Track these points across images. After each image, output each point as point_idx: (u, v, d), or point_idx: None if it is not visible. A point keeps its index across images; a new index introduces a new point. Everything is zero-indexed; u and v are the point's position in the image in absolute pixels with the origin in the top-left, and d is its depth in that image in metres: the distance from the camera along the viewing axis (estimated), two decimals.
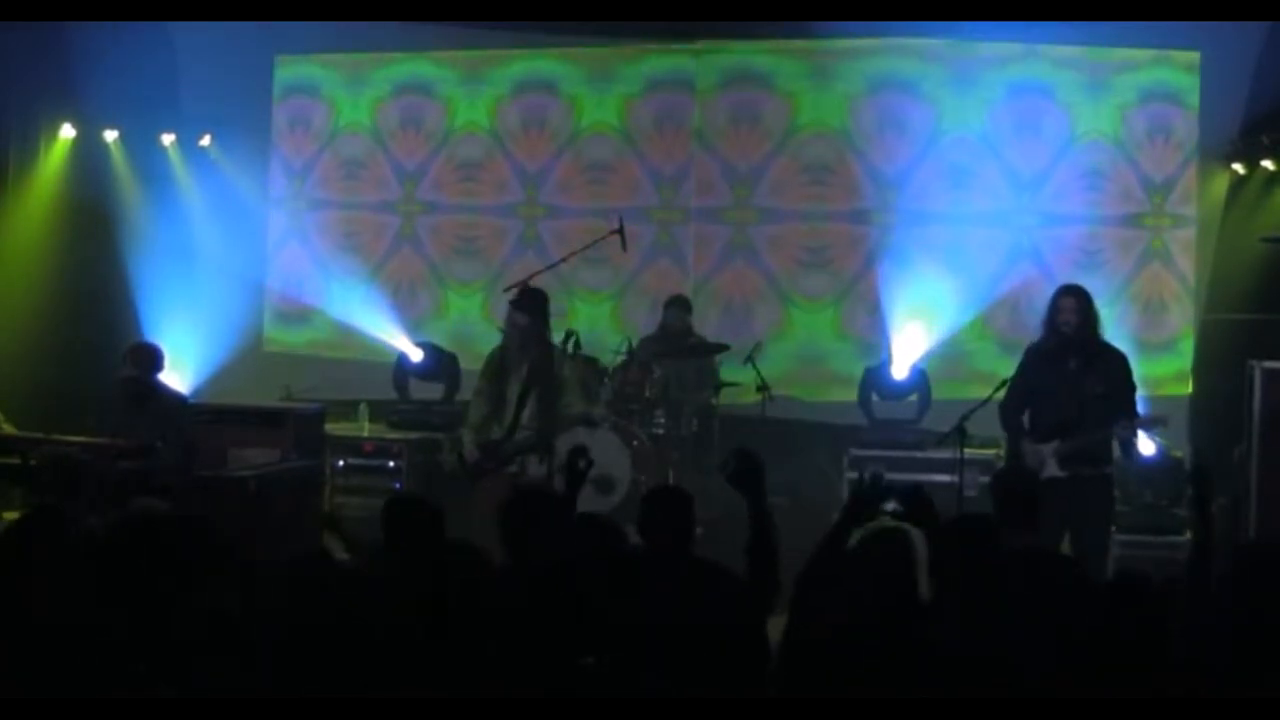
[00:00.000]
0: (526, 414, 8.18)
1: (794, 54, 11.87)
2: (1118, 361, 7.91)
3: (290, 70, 12.82)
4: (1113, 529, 8.42)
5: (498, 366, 8.39)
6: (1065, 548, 7.65)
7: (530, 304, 8.32)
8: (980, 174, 11.52)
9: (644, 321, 11.73)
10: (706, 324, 11.56)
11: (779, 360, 11.62)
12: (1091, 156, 11.35)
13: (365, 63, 12.66)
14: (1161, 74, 11.26)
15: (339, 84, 12.75)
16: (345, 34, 11.83)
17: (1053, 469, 7.68)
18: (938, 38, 11.39)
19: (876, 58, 11.70)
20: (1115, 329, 9.71)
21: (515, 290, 8.48)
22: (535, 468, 8.20)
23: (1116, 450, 7.99)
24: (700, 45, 12.03)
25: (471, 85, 12.51)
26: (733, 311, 12.03)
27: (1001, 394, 8.10)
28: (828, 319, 11.90)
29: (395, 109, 12.66)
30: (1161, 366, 11.09)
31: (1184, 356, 11.16)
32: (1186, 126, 11.21)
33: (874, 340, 11.55)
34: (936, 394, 10.87)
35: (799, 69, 11.89)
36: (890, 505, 5.26)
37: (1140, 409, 8.16)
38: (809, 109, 11.86)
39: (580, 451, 6.08)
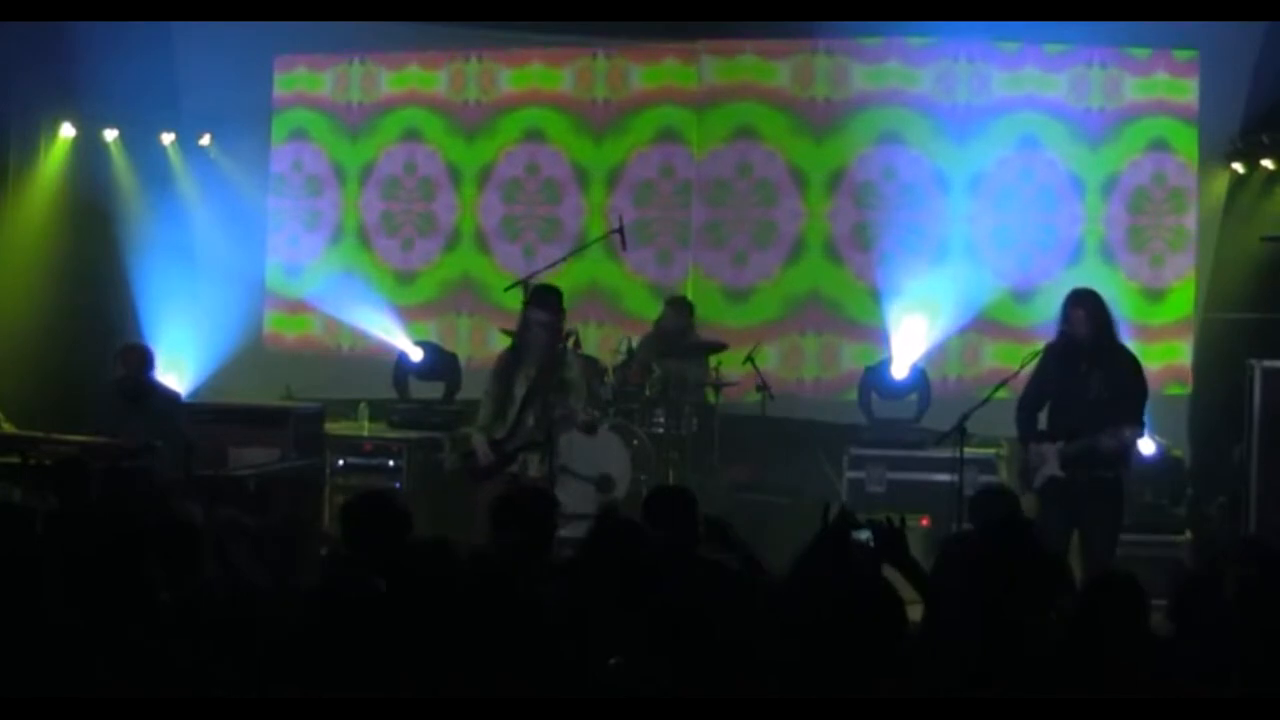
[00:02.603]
0: (531, 414, 8.20)
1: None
2: (1127, 366, 7.85)
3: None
4: None
5: (507, 366, 8.41)
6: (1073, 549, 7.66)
7: (550, 299, 8.34)
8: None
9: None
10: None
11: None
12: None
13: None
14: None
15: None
16: (344, 34, 11.81)
17: (1054, 469, 7.69)
18: (934, 38, 11.38)
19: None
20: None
21: (530, 287, 8.48)
22: (535, 467, 8.23)
23: None
24: (700, 44, 12.02)
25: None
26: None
27: (1001, 394, 8.11)
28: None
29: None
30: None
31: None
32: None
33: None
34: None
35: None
36: (864, 535, 5.18)
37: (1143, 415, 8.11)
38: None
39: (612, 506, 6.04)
